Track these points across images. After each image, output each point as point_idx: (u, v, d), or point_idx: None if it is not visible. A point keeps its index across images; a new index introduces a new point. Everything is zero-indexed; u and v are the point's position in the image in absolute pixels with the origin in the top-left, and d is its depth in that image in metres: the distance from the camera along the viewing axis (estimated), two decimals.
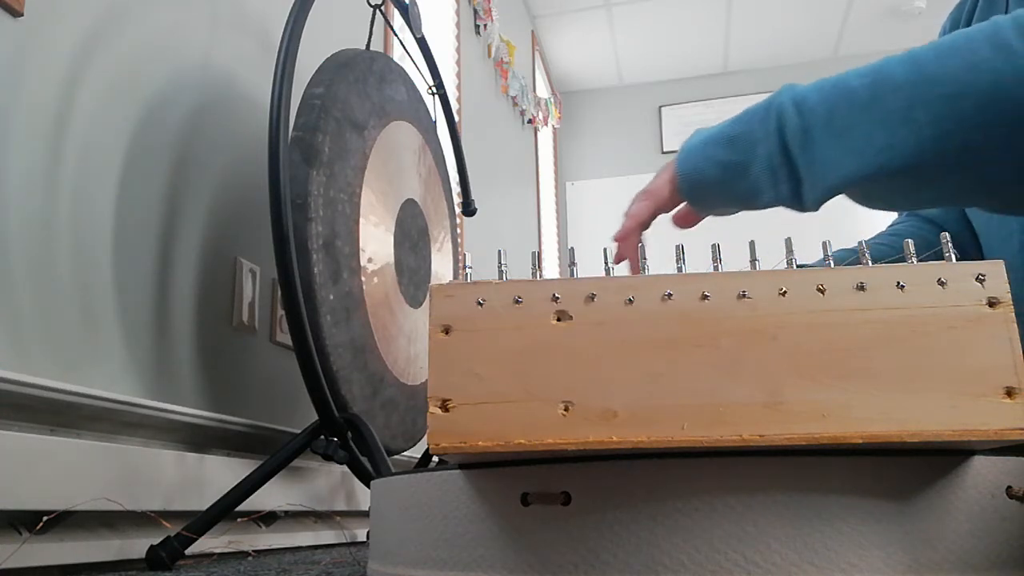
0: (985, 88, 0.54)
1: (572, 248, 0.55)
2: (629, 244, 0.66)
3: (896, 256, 0.47)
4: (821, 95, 0.61)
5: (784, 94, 0.62)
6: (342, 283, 1.13)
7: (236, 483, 0.99)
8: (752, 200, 0.63)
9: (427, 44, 1.52)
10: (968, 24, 0.80)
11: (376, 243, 1.25)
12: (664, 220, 0.69)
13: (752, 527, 0.43)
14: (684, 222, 0.70)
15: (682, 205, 0.68)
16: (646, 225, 0.66)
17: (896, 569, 0.42)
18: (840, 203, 0.64)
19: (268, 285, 1.37)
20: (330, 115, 1.15)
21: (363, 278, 1.19)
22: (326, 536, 1.41)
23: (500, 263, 0.50)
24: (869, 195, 0.63)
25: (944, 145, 0.56)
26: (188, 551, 0.92)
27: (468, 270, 0.49)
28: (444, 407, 0.44)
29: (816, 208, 0.62)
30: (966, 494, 0.43)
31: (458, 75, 2.70)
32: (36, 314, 0.90)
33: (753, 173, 0.61)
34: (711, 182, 0.64)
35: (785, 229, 0.68)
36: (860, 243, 0.48)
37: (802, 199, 0.61)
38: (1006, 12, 0.68)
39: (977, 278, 0.43)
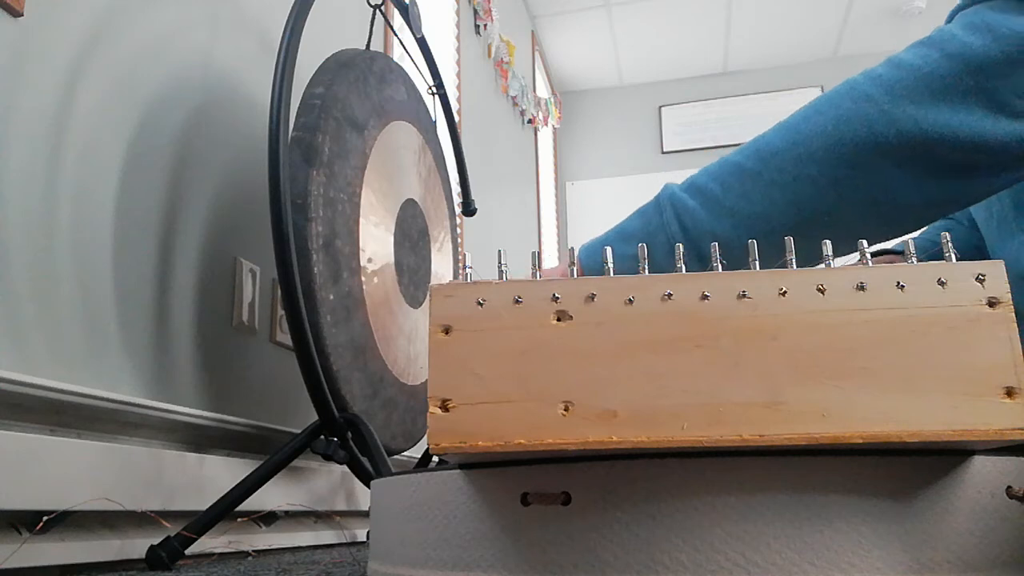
0: (860, 134, 0.58)
1: (572, 248, 0.55)
2: None
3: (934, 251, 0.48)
4: (709, 176, 0.64)
5: (670, 187, 0.65)
6: (342, 283, 1.13)
7: (236, 483, 0.99)
8: None
9: (427, 44, 1.52)
10: None
11: (376, 243, 1.25)
12: None
13: (752, 527, 0.43)
14: None
15: None
16: None
17: (896, 569, 0.42)
18: None
19: (268, 285, 1.37)
20: (330, 115, 1.15)
21: (363, 278, 1.19)
22: (326, 536, 1.41)
23: (500, 263, 0.50)
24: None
25: (841, 189, 0.59)
26: (188, 551, 0.92)
27: (468, 270, 0.49)
28: (444, 407, 0.44)
29: None
30: (966, 494, 0.43)
31: (458, 75, 2.70)
32: (36, 314, 0.90)
33: (657, 262, 0.64)
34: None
35: None
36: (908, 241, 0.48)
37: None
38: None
39: (977, 278, 0.43)
